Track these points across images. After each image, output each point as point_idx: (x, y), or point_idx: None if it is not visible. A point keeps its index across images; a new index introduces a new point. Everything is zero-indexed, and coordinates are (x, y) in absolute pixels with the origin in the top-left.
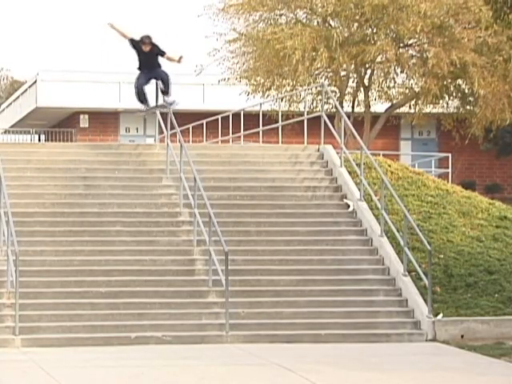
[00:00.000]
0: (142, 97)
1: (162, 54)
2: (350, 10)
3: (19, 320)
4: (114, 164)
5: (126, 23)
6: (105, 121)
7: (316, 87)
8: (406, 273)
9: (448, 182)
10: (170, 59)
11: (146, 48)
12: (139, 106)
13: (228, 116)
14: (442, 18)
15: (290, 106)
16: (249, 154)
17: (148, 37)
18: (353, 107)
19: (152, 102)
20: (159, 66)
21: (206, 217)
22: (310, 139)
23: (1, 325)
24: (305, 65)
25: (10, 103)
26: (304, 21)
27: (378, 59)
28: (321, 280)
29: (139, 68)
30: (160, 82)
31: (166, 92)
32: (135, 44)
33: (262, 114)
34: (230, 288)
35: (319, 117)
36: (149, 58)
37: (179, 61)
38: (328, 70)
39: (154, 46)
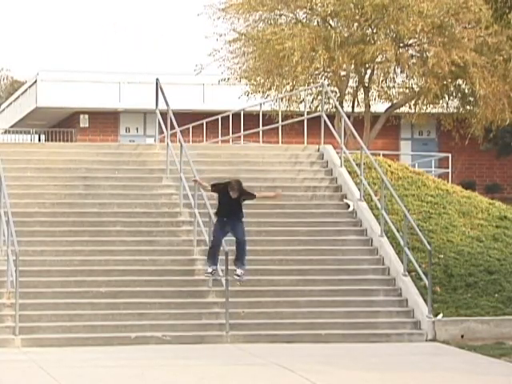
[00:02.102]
0: (212, 256)
1: (253, 197)
2: (349, 10)
3: (19, 320)
4: (114, 164)
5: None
6: (105, 121)
7: (316, 87)
8: (406, 273)
9: (448, 182)
10: (265, 197)
11: (234, 195)
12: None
13: (228, 116)
14: (442, 18)
15: (289, 106)
16: (249, 154)
17: (239, 183)
18: (353, 107)
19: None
20: (241, 212)
21: (206, 217)
22: (310, 139)
23: (1, 325)
24: (304, 65)
25: (10, 103)
26: (304, 21)
27: (378, 59)
28: (321, 280)
29: (217, 213)
30: (235, 244)
31: (239, 261)
32: (219, 189)
33: (262, 114)
34: (229, 288)
35: (319, 117)
36: (233, 204)
37: (275, 196)
38: (328, 70)
39: (241, 192)
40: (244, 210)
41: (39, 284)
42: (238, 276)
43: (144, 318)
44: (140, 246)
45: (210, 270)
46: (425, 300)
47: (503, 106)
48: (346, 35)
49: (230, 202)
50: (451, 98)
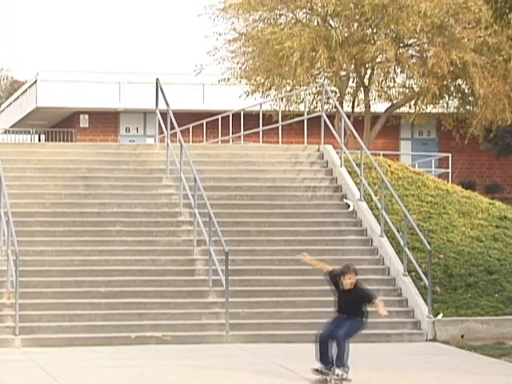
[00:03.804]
0: (318, 352)
1: (370, 299)
2: (350, 10)
3: (19, 320)
4: (114, 164)
5: None
6: (105, 121)
7: (316, 87)
8: (406, 273)
9: (448, 182)
10: (377, 306)
11: (347, 282)
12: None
13: (228, 116)
14: (442, 18)
15: (289, 105)
16: (249, 154)
17: (352, 269)
18: (353, 107)
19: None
20: (360, 313)
21: (206, 217)
22: (310, 139)
23: (1, 325)
24: (304, 66)
25: (10, 103)
26: (304, 21)
27: (378, 59)
28: (321, 280)
29: (338, 311)
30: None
31: (338, 360)
32: (335, 278)
33: (262, 114)
34: (230, 288)
35: (319, 117)
36: (348, 298)
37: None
38: (328, 70)
39: (358, 284)
40: (244, 210)
41: (39, 284)
42: (337, 376)
43: (144, 318)
44: (140, 246)
45: (315, 366)
46: (425, 300)
47: (503, 106)
48: (346, 35)
49: (345, 295)
50: (451, 98)
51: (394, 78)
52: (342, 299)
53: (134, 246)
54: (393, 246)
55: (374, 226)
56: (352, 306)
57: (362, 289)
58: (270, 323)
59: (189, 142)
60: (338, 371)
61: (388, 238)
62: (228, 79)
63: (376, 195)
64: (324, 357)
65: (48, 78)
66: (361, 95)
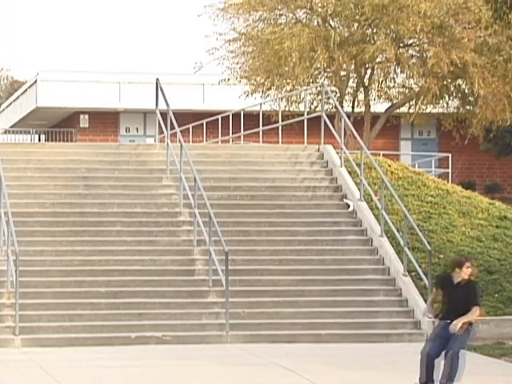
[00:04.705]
0: (427, 374)
1: (477, 299)
2: (350, 10)
3: (19, 320)
4: (114, 164)
5: None
6: (105, 121)
7: (316, 87)
8: (406, 273)
9: (448, 182)
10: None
11: (466, 271)
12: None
13: (228, 116)
14: (442, 18)
15: (289, 105)
16: (249, 154)
17: (470, 257)
18: (353, 107)
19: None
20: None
21: (206, 217)
22: (310, 139)
23: (1, 325)
24: (303, 65)
25: (10, 103)
26: (304, 21)
27: (378, 59)
28: (321, 280)
29: (442, 316)
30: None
31: (445, 378)
32: (446, 278)
33: (262, 114)
34: (230, 288)
35: (319, 117)
36: (460, 291)
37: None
38: (328, 70)
39: (471, 279)
40: (244, 210)
41: (39, 284)
42: None
43: (144, 318)
44: (140, 246)
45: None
46: (425, 300)
47: (503, 106)
48: (346, 35)
49: (457, 291)
50: (451, 98)
51: (394, 78)
52: (453, 297)
53: (134, 246)
54: (393, 246)
55: (374, 226)
56: (463, 303)
57: (476, 285)
58: (270, 323)
59: (189, 142)
60: None
61: (388, 238)
62: (228, 79)
63: (376, 195)
64: (430, 376)
65: (48, 78)
66: (361, 95)
